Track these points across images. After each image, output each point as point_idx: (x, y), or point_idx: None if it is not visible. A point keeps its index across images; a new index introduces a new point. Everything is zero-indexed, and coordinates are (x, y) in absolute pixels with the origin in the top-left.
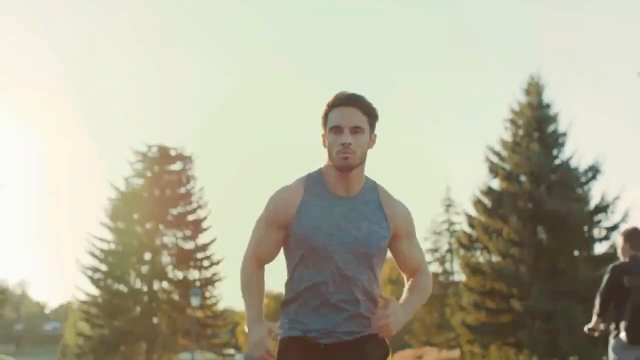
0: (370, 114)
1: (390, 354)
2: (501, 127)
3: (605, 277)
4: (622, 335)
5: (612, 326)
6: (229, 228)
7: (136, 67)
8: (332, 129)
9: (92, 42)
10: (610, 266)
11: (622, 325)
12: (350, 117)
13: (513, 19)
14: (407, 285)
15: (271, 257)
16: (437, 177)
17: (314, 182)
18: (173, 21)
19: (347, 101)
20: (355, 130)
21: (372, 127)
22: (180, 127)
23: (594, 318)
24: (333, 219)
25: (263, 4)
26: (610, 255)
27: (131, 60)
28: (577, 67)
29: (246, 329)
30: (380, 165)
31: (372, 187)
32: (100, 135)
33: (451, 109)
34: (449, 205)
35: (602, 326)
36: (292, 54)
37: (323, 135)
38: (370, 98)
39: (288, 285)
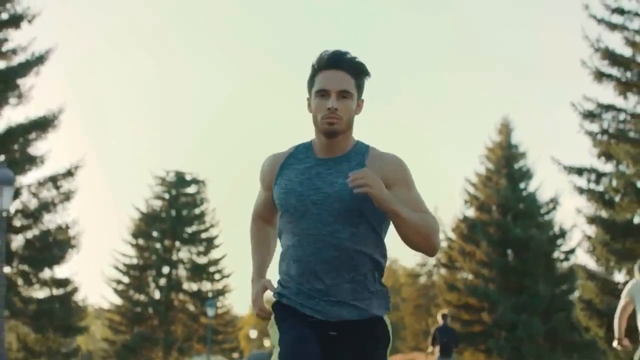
0: (359, 76)
1: (390, 339)
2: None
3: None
4: None
5: None
6: (238, 245)
7: (135, 69)
8: (318, 93)
9: (92, 45)
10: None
11: None
12: (338, 81)
13: (514, 23)
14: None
15: (269, 214)
16: (437, 179)
17: (302, 148)
18: (172, 24)
19: (334, 63)
20: (343, 94)
21: (360, 90)
22: (181, 129)
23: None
24: (307, 179)
25: (263, 8)
26: (568, 276)
27: (130, 62)
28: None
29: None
30: None
31: (361, 148)
32: (98, 136)
33: (452, 112)
34: None
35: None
36: (291, 57)
37: (308, 99)
38: (370, 101)
39: (281, 245)
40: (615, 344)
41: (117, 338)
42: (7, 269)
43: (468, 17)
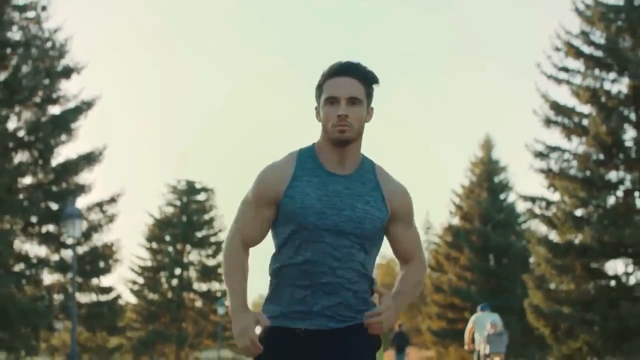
0: (369, 84)
1: (382, 346)
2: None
3: None
4: None
5: None
6: None
7: (135, 68)
8: (328, 100)
9: (91, 44)
10: None
11: None
12: (348, 88)
13: (512, 22)
14: (400, 273)
15: (260, 237)
16: (435, 177)
17: (306, 156)
18: (172, 22)
19: (344, 70)
20: (352, 101)
21: (369, 98)
22: (181, 130)
23: None
24: (326, 196)
25: (263, 6)
26: None
27: (130, 61)
28: None
29: (232, 318)
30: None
31: (370, 166)
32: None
33: (450, 109)
34: (428, 228)
35: None
36: (291, 55)
37: (316, 108)
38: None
39: (274, 260)
40: (466, 348)
41: (133, 334)
42: (61, 278)
43: (467, 16)
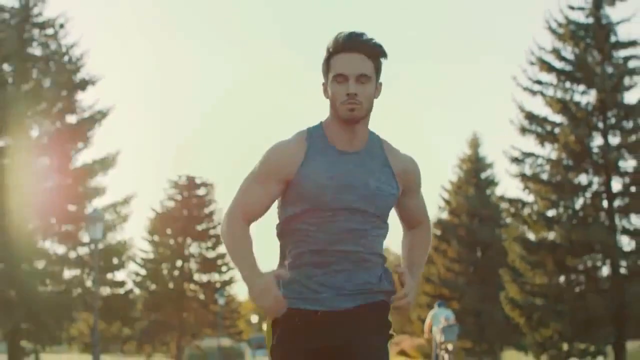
0: (376, 59)
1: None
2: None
3: None
4: None
5: None
6: None
7: (136, 58)
8: (336, 77)
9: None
10: None
11: None
12: (356, 65)
13: (509, 12)
14: (406, 236)
15: (260, 214)
16: (433, 168)
17: (316, 136)
18: (173, 13)
19: (352, 46)
20: (362, 79)
21: (378, 73)
22: (181, 124)
23: None
24: (339, 175)
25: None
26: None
27: (131, 52)
28: None
29: (247, 288)
30: None
31: (377, 141)
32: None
33: (447, 101)
34: None
35: None
36: (291, 45)
37: (324, 84)
38: None
39: (285, 240)
40: (425, 336)
41: (136, 324)
42: (79, 273)
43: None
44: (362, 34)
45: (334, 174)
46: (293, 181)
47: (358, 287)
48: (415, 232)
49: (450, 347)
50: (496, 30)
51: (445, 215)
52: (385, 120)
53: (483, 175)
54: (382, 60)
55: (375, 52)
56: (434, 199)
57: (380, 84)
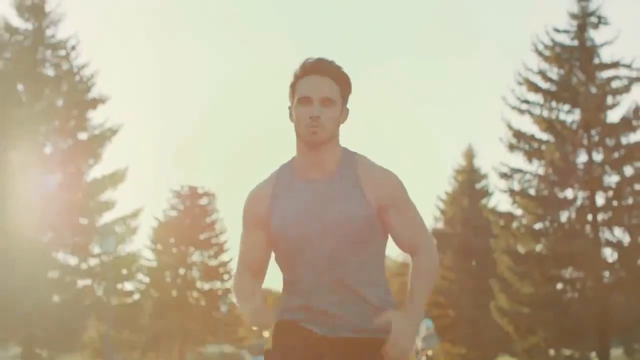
0: (343, 84)
1: None
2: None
3: None
4: None
5: None
6: None
7: (136, 54)
8: (300, 100)
9: (91, 29)
10: None
11: None
12: (321, 87)
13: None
14: (410, 266)
15: (262, 259)
16: (431, 163)
17: (285, 172)
18: (175, 10)
19: (317, 69)
20: (326, 102)
21: (344, 99)
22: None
23: None
24: (303, 206)
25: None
26: None
27: (131, 48)
28: None
29: (243, 314)
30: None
31: (350, 162)
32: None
33: (444, 96)
34: None
35: None
36: (287, 41)
37: (290, 108)
38: (368, 83)
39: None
40: None
41: (141, 331)
42: (89, 284)
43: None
44: (330, 61)
45: (298, 206)
46: (268, 223)
47: (342, 325)
48: (414, 261)
49: (430, 352)
50: (494, 32)
51: (441, 225)
52: (384, 128)
53: (478, 186)
54: (349, 87)
55: (341, 79)
56: (430, 210)
57: (347, 109)
